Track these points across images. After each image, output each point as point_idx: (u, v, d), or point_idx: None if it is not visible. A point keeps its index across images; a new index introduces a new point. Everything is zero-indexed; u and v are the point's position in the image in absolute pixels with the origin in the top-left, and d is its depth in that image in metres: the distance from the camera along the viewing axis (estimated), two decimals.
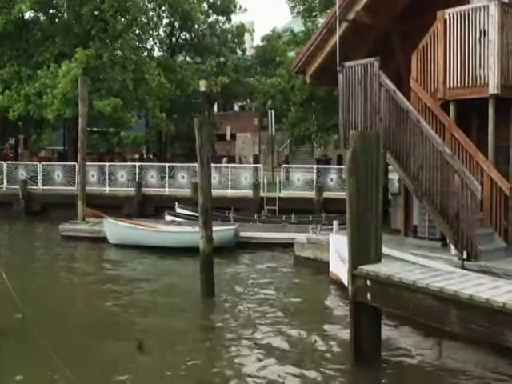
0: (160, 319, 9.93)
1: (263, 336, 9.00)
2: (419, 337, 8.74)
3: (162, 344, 8.55)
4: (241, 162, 40.40)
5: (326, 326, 9.48)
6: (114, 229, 16.94)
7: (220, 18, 38.60)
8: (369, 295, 7.41)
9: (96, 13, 27.62)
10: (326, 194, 22.43)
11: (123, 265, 15.24)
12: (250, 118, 45.40)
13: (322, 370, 7.55)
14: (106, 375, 7.42)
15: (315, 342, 8.65)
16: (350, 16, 13.29)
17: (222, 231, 15.53)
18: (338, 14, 13.10)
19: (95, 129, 35.85)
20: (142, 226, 17.28)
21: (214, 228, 14.26)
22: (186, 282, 12.84)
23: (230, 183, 23.93)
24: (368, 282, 7.42)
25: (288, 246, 15.43)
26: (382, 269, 7.42)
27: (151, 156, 43.50)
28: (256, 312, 10.38)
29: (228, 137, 46.31)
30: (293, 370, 7.51)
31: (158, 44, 36.54)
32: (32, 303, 10.18)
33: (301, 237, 14.88)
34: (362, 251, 7.66)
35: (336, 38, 13.21)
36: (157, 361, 7.86)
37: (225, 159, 37.19)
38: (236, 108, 50.21)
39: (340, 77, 13.13)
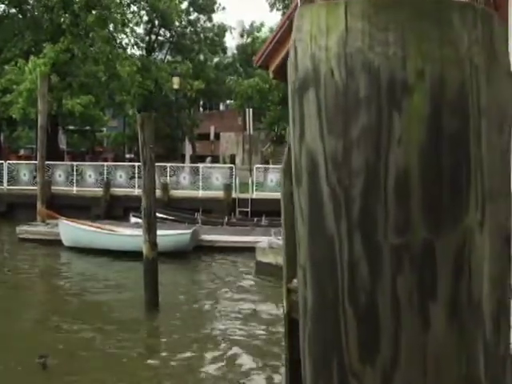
0: (89, 331, 9.08)
1: (199, 353, 8.23)
2: None
3: (76, 361, 7.69)
4: (225, 162, 39.59)
5: (271, 346, 8.66)
6: (69, 231, 15.92)
7: (201, 16, 37.83)
8: None
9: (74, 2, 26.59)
10: None
11: (68, 269, 14.46)
12: (235, 117, 44.49)
13: None
14: None
15: (254, 364, 7.86)
16: None
17: (176, 235, 14.70)
18: (299, 4, 12.28)
19: (71, 127, 34.92)
20: (98, 228, 16.32)
21: (168, 232, 13.58)
22: (133, 289, 11.92)
23: (200, 184, 23.07)
24: None
25: (253, 250, 14.61)
26: None
27: (132, 155, 42.57)
28: (200, 325, 9.60)
29: (212, 136, 45.40)
30: None
31: (132, 41, 35.51)
32: None
33: (263, 241, 14.06)
34: None
35: None
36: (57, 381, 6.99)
37: (208, 159, 36.49)
38: (221, 107, 49.36)
39: None
